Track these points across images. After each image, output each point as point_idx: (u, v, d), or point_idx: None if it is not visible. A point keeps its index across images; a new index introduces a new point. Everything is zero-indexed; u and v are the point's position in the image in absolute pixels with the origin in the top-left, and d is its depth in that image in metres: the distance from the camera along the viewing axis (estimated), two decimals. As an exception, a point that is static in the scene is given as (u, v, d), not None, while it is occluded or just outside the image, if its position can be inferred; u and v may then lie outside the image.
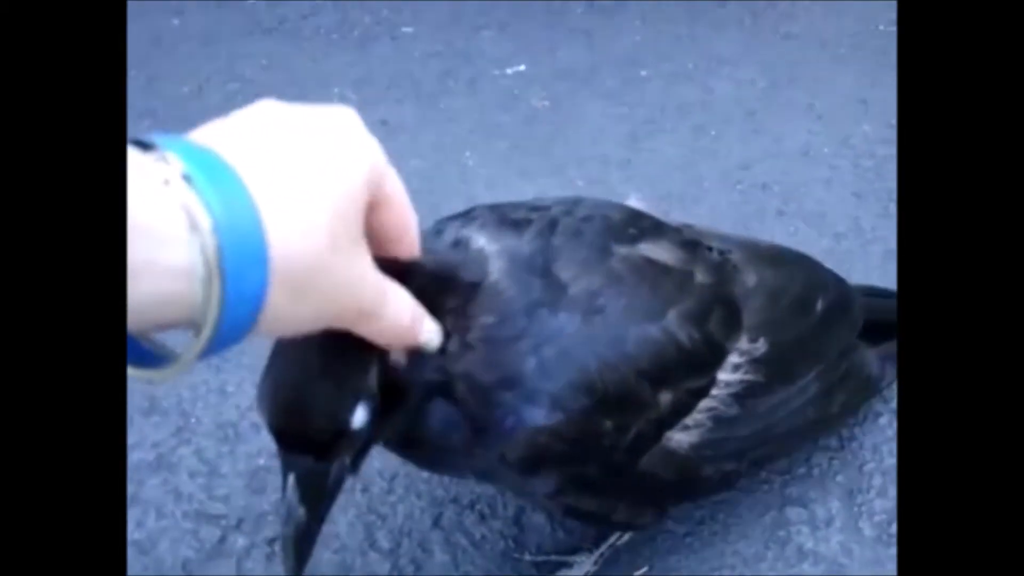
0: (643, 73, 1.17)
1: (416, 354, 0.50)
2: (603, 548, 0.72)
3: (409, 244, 0.49)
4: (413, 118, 1.11)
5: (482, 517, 0.75)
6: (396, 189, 0.45)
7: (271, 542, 0.73)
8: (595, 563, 0.72)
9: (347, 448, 0.50)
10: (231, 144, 0.37)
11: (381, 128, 1.09)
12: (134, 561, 0.72)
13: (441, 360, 0.52)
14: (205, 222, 0.34)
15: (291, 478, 0.49)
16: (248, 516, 0.75)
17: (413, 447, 0.59)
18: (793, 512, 0.78)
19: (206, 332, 0.35)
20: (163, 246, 0.33)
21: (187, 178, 0.34)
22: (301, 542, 0.50)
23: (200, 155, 0.36)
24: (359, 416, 0.49)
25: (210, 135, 0.38)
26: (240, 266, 0.35)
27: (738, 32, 1.27)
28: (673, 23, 1.28)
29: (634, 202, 0.78)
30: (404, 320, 0.47)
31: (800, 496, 0.79)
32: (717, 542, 0.76)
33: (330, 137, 0.41)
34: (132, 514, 0.75)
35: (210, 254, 0.34)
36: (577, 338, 0.55)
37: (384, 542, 0.73)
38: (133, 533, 0.74)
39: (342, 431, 0.49)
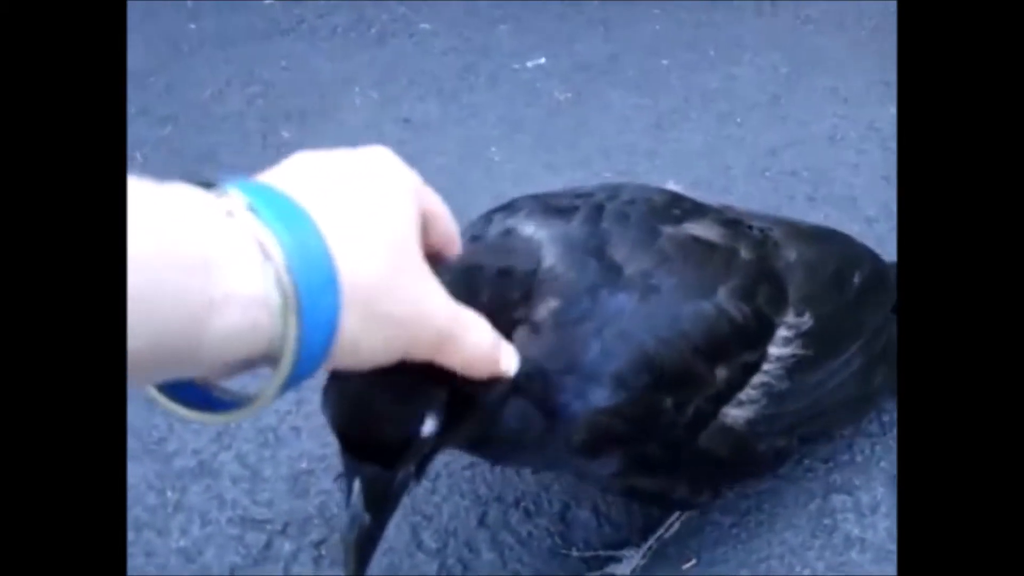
0: (664, 62, 1.16)
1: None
2: (651, 541, 0.72)
3: (454, 253, 0.50)
4: (436, 115, 1.10)
5: (527, 514, 0.75)
6: (438, 207, 0.46)
7: (318, 545, 0.73)
8: (643, 556, 0.72)
9: (414, 456, 0.50)
10: (283, 181, 0.38)
11: (405, 127, 1.09)
12: (181, 568, 0.72)
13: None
14: (276, 251, 0.34)
15: (356, 484, 0.49)
16: (293, 520, 0.75)
17: (483, 446, 0.59)
18: (838, 499, 0.77)
19: (286, 361, 0.35)
20: (239, 278, 0.33)
21: (251, 209, 0.35)
22: (364, 547, 0.50)
23: (258, 189, 0.36)
24: (428, 426, 0.48)
25: (260, 177, 0.39)
26: (313, 292, 0.35)
27: (757, 18, 1.26)
28: (691, 10, 1.27)
29: (672, 187, 0.79)
30: (485, 346, 0.46)
31: (845, 483, 0.78)
32: (763, 532, 0.75)
33: (373, 167, 0.42)
34: (177, 521, 0.75)
35: (285, 282, 0.34)
36: (635, 318, 0.56)
37: (431, 542, 0.73)
38: (179, 541, 0.74)
39: (411, 440, 0.49)
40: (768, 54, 1.16)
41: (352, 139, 1.07)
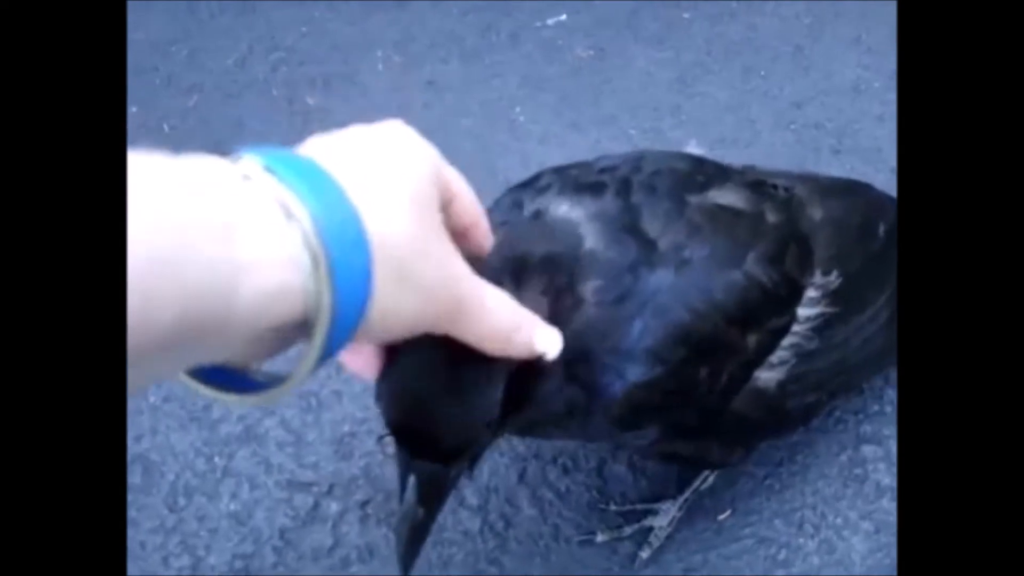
0: (686, 15, 1.15)
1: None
2: (687, 494, 0.74)
3: (482, 235, 0.48)
4: (459, 77, 1.10)
5: (565, 470, 0.77)
6: (460, 185, 0.45)
7: (363, 505, 0.76)
8: (679, 509, 0.74)
9: (469, 454, 0.51)
10: (302, 149, 0.38)
11: (428, 89, 1.09)
12: (232, 532, 0.75)
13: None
14: (300, 210, 0.33)
15: (411, 479, 0.50)
16: (339, 481, 0.77)
17: (528, 430, 0.61)
18: (869, 450, 0.79)
19: (322, 323, 0.34)
20: (265, 240, 0.32)
21: (269, 171, 0.34)
22: (416, 539, 0.52)
23: (275, 153, 0.35)
24: (485, 426, 0.50)
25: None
26: (343, 250, 0.34)
27: (778, -34, 1.25)
28: (711, -39, 1.26)
29: (693, 148, 0.79)
30: (503, 323, 0.44)
31: (875, 433, 0.80)
32: (796, 483, 0.77)
33: (392, 139, 0.42)
34: (227, 486, 0.77)
35: (313, 241, 0.33)
36: (671, 292, 0.57)
37: (472, 499, 0.76)
38: (229, 505, 0.76)
39: (469, 443, 0.50)
40: (791, 4, 1.15)
41: (377, 103, 1.09)
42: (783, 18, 1.14)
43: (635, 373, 0.56)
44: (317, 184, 0.35)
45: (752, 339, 0.61)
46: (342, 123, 1.11)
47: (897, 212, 0.71)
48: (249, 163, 0.34)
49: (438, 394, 0.47)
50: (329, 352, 0.36)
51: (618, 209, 0.58)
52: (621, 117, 1.04)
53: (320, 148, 0.38)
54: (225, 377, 0.37)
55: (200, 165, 0.33)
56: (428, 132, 1.13)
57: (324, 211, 0.34)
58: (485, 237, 0.49)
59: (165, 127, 1.07)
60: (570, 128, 1.04)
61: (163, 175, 0.31)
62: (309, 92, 1.10)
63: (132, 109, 1.08)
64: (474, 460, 0.53)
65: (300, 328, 0.35)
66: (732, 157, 0.93)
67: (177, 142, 1.05)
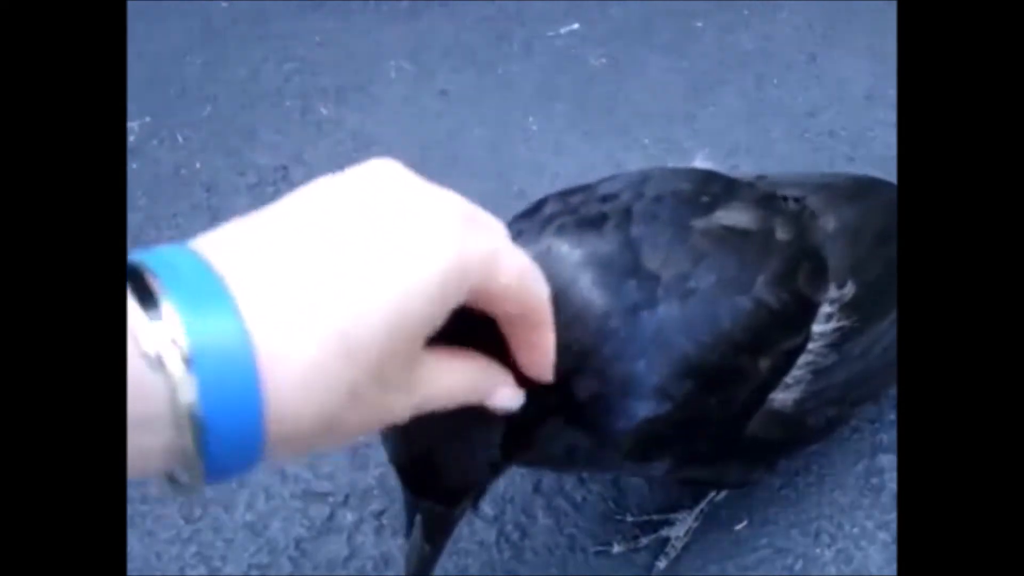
0: (698, 24, 1.15)
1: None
2: (703, 504, 0.73)
3: (542, 355, 0.41)
4: (472, 86, 1.11)
5: (581, 481, 0.77)
6: (510, 281, 0.36)
7: (379, 515, 0.76)
8: (695, 519, 0.73)
9: (473, 494, 0.53)
10: (280, 228, 0.32)
11: (442, 99, 1.10)
12: (248, 543, 0.75)
13: (555, 395, 0.50)
14: (185, 387, 0.29)
15: (418, 518, 0.52)
16: (354, 492, 0.77)
17: (534, 465, 0.62)
18: (886, 459, 0.79)
19: (196, 475, 0.31)
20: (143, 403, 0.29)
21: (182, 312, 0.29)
22: (424, 570, 0.54)
23: (194, 287, 0.30)
24: (487, 469, 0.51)
25: (225, 251, 0.32)
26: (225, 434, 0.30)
27: (790, -26, 1.25)
28: (723, -31, 1.26)
29: (700, 162, 0.78)
30: (457, 398, 0.39)
31: (891, 443, 0.79)
32: (812, 493, 0.77)
33: (397, 224, 0.33)
34: (242, 497, 0.77)
35: (186, 439, 0.29)
36: (675, 325, 0.56)
37: (488, 509, 0.75)
38: (245, 515, 0.76)
39: (471, 486, 0.51)
40: (803, 12, 1.15)
41: (390, 113, 1.09)
42: (796, 27, 1.14)
43: (643, 409, 0.55)
44: (210, 324, 0.29)
45: (764, 363, 0.60)
46: (354, 133, 1.11)
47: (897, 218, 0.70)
48: (166, 309, 0.29)
49: (441, 438, 0.48)
50: (236, 467, 0.31)
51: (618, 246, 0.57)
52: (634, 126, 1.05)
53: (300, 229, 0.32)
54: None
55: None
56: (441, 141, 1.14)
57: (219, 385, 0.29)
58: (546, 362, 0.42)
59: (179, 137, 1.08)
60: (584, 138, 1.04)
61: None
62: (322, 102, 1.11)
63: (146, 119, 1.09)
64: (477, 498, 0.54)
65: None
66: (746, 166, 0.93)
67: (191, 152, 1.07)
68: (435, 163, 1.02)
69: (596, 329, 0.54)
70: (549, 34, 1.16)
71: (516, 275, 0.36)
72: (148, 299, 0.29)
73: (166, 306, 0.29)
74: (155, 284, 0.29)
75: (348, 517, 0.76)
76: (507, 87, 1.11)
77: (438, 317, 0.34)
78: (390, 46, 1.17)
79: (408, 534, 0.53)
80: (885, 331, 0.68)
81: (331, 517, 0.76)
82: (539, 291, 0.38)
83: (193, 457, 0.30)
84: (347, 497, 0.77)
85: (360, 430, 0.34)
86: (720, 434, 0.61)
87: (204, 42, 1.21)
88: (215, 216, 0.98)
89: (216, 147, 1.07)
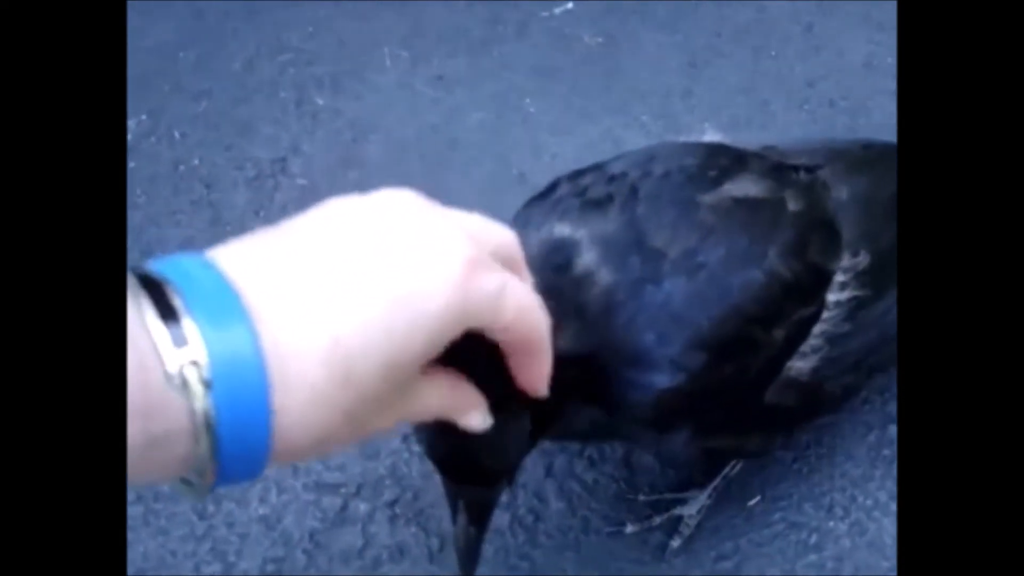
0: (693, -2, 1.14)
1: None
2: (716, 482, 0.73)
3: (538, 378, 0.43)
4: (468, 70, 1.10)
5: (592, 463, 0.77)
6: (513, 318, 0.37)
7: (391, 505, 0.76)
8: (709, 497, 0.73)
9: (508, 476, 0.54)
10: (296, 256, 0.34)
11: (438, 84, 1.09)
12: (263, 537, 0.75)
13: (571, 370, 0.50)
14: (203, 408, 0.31)
15: (460, 503, 0.54)
16: (366, 482, 0.77)
17: (559, 440, 0.64)
18: (896, 430, 0.78)
19: (207, 481, 0.32)
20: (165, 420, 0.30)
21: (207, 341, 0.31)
22: (472, 552, 0.56)
23: (219, 317, 0.31)
24: (521, 450, 0.53)
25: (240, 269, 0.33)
26: (236, 450, 0.32)
27: (785, -56, 1.24)
28: (716, -59, 1.25)
29: (710, 135, 0.78)
30: (433, 414, 0.41)
31: (903, 413, 0.79)
32: (824, 466, 0.77)
33: (407, 260, 0.34)
34: (255, 491, 0.77)
35: (203, 450, 0.31)
36: (686, 300, 0.57)
37: (501, 495, 0.75)
38: (258, 509, 0.76)
39: (506, 466, 0.53)
40: (799, -19, 1.14)
41: (386, 100, 1.08)
42: (792, -3, 1.13)
43: (659, 381, 0.56)
44: (244, 383, 0.31)
45: (779, 333, 0.60)
46: (351, 121, 1.10)
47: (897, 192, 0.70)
48: (190, 329, 0.31)
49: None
50: (247, 472, 0.33)
51: (621, 226, 0.58)
52: (633, 103, 1.04)
53: (314, 257, 0.34)
54: None
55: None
56: (439, 127, 1.13)
57: (232, 407, 0.31)
58: (538, 376, 0.43)
59: (176, 134, 1.07)
60: (582, 117, 1.03)
61: None
62: (318, 92, 1.10)
63: (142, 117, 1.08)
64: (513, 475, 0.55)
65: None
66: (747, 139, 0.92)
67: (189, 148, 1.06)
68: (433, 149, 1.01)
69: (603, 304, 0.55)
70: (543, 14, 1.15)
71: (517, 313, 0.38)
72: (169, 313, 0.30)
73: (187, 323, 0.30)
74: (176, 300, 0.31)
75: (361, 508, 0.76)
76: (503, 69, 1.10)
77: (436, 351, 0.36)
78: (384, 33, 1.16)
79: (454, 520, 0.55)
80: None
81: (344, 508, 0.76)
82: (539, 325, 0.40)
83: (207, 464, 0.31)
84: (359, 488, 0.77)
85: (349, 441, 0.36)
86: (737, 403, 0.61)
87: (196, 37, 1.20)
88: (215, 211, 0.98)
89: (213, 142, 1.06)
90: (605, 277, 0.56)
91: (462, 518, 0.54)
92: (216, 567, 0.74)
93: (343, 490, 0.77)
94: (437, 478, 0.72)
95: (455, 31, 1.15)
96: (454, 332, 0.35)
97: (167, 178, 1.02)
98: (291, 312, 0.32)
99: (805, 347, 0.62)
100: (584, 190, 0.61)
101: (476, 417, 0.43)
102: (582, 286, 0.55)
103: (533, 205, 0.62)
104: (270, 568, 0.74)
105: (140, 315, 0.30)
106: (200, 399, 0.30)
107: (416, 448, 0.78)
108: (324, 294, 0.33)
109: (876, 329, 0.66)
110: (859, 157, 0.73)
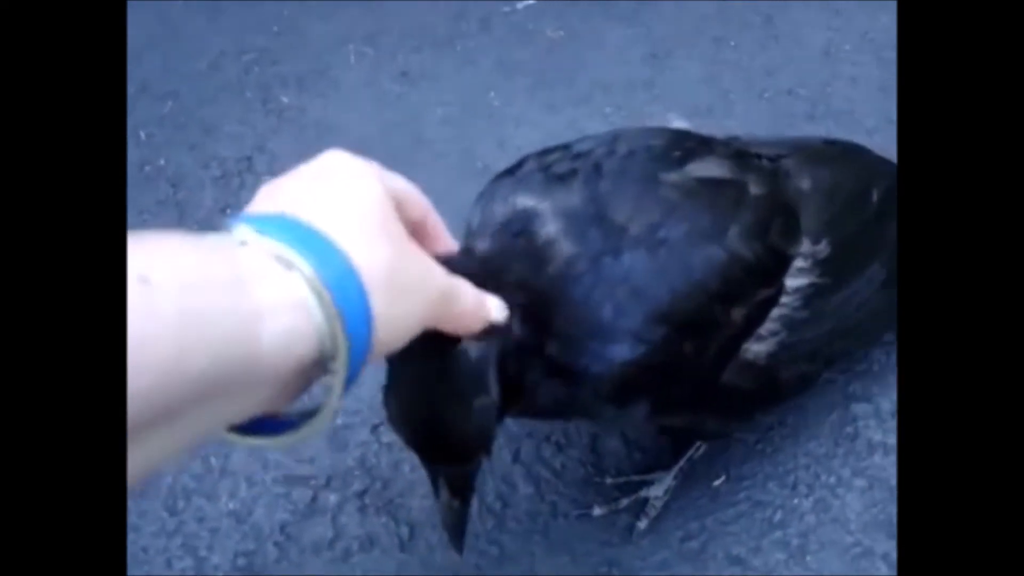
0: (654, -9, 1.15)
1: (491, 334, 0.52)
2: (681, 463, 0.74)
3: (432, 226, 0.51)
4: (432, 65, 1.10)
5: (559, 447, 0.78)
6: (405, 187, 0.48)
7: (361, 495, 0.76)
8: (674, 478, 0.74)
9: (484, 450, 0.55)
10: (272, 205, 0.41)
11: (402, 80, 1.10)
12: (233, 531, 0.76)
13: (531, 336, 0.55)
14: (297, 259, 0.37)
15: (441, 480, 0.55)
16: (336, 474, 0.78)
17: (527, 416, 0.64)
18: (859, 408, 0.80)
19: (341, 351, 0.38)
20: (274, 289, 0.37)
21: (260, 233, 0.38)
22: (459, 525, 0.57)
23: (256, 218, 0.39)
24: (489, 426, 0.54)
25: (250, 208, 0.42)
26: (339, 285, 0.38)
27: (744, -64, 1.25)
28: (676, -65, 1.26)
29: (676, 123, 0.79)
30: (473, 302, 0.49)
31: (864, 392, 0.80)
32: (788, 445, 0.78)
33: (339, 170, 0.45)
34: (224, 486, 0.78)
35: (315, 283, 0.37)
36: (646, 274, 0.57)
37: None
38: (228, 504, 0.77)
39: (479, 441, 0.54)
40: (758, -27, 1.16)
41: (351, 97, 1.09)
42: (752, -13, 1.14)
43: (618, 353, 0.57)
44: (302, 235, 0.39)
45: (738, 312, 0.61)
46: (317, 120, 1.10)
47: (897, 179, 0.71)
48: (242, 230, 0.38)
49: (442, 409, 0.51)
50: (352, 378, 0.40)
51: (583, 199, 0.59)
52: (595, 95, 1.05)
53: (283, 198, 0.42)
54: (256, 423, 0.40)
55: (204, 238, 0.38)
56: (404, 122, 1.13)
57: (316, 257, 0.38)
58: (436, 227, 0.52)
59: (142, 135, 1.07)
60: (546, 109, 1.04)
61: (176, 245, 0.35)
62: (283, 91, 1.11)
63: (108, 119, 1.08)
64: (489, 447, 0.56)
65: (318, 366, 0.38)
66: (708, 128, 0.93)
67: (155, 149, 1.06)
68: (399, 145, 1.02)
69: (563, 274, 0.56)
70: (505, 9, 1.16)
71: (405, 194, 0.48)
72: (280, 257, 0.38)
73: (296, 258, 0.37)
74: (281, 248, 0.37)
75: (331, 499, 0.77)
76: (467, 64, 1.11)
77: (392, 206, 0.44)
78: (348, 30, 1.17)
79: (437, 496, 0.56)
80: (860, 289, 0.69)
81: (314, 500, 0.77)
82: (421, 201, 0.50)
83: (343, 351, 0.38)
84: (329, 479, 0.78)
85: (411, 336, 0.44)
86: (696, 381, 0.62)
87: (161, 38, 1.20)
88: (182, 211, 0.98)
89: (179, 142, 1.06)
90: (566, 248, 0.57)
91: (444, 493, 0.55)
92: (187, 562, 0.74)
93: (312, 482, 0.77)
94: (406, 468, 0.74)
95: (419, 27, 1.16)
96: (390, 199, 0.44)
97: (133, 178, 1.02)
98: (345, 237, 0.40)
99: (763, 330, 0.63)
100: (549, 166, 0.62)
101: (495, 305, 0.51)
102: (544, 255, 0.56)
103: (499, 180, 0.63)
104: (241, 562, 0.74)
105: (265, 255, 0.37)
106: (329, 303, 0.37)
107: (385, 439, 0.79)
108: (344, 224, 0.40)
109: (833, 319, 0.67)
110: (821, 151, 0.75)
